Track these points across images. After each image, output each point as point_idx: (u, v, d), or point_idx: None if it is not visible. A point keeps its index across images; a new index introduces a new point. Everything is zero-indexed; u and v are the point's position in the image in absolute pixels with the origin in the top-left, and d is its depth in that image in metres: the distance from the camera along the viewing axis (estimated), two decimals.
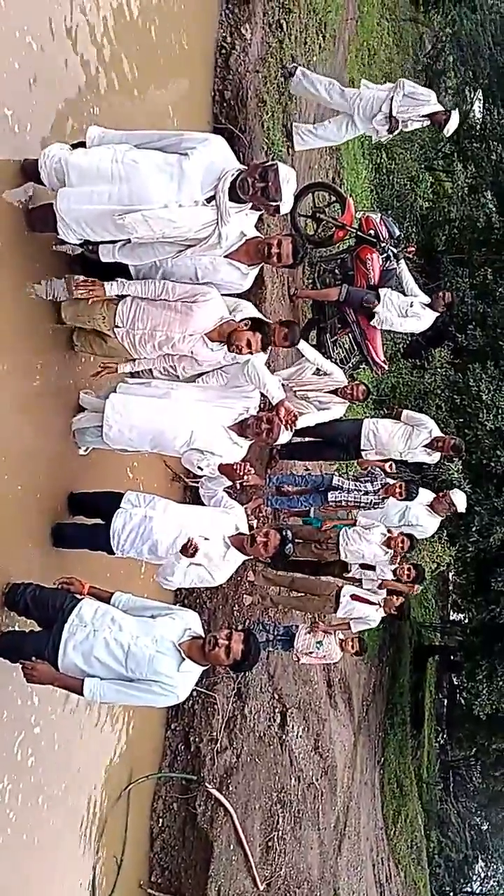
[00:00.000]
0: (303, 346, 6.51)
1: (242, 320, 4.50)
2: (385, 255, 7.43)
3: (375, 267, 7.41)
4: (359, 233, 7.63)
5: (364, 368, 8.49)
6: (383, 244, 7.45)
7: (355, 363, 8.04)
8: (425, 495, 7.41)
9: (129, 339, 4.39)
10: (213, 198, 3.89)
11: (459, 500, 7.39)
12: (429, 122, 7.79)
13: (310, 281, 8.26)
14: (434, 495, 7.44)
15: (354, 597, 7.18)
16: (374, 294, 7.38)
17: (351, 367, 8.03)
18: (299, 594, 7.55)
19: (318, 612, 7.40)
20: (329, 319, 7.79)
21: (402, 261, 7.48)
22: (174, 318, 4.31)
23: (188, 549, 4.13)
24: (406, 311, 7.45)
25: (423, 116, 7.60)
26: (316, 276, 8.07)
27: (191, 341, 4.35)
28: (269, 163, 4.03)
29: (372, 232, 7.54)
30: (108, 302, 4.36)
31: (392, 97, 7.37)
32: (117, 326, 4.36)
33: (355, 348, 7.81)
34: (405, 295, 7.54)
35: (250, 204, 4.03)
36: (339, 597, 7.18)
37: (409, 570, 7.15)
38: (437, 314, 7.56)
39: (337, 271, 7.91)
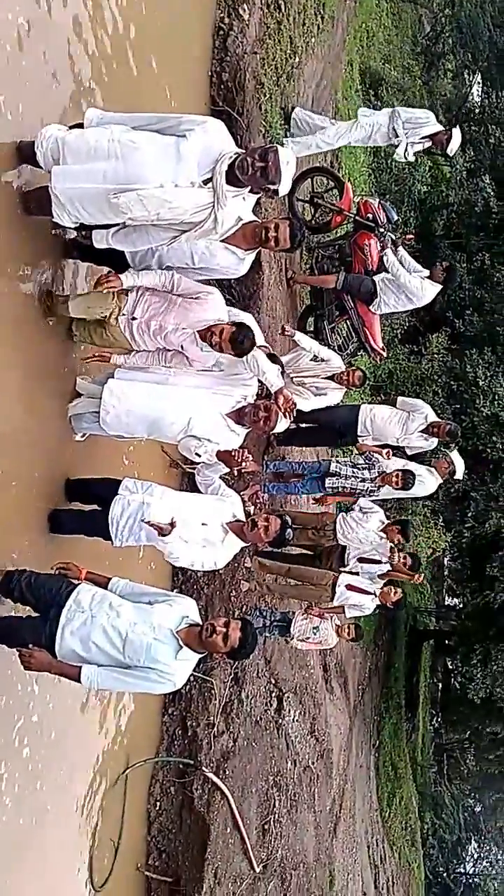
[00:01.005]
0: (298, 336, 6.50)
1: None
2: (382, 241, 7.37)
3: (373, 253, 7.36)
4: (357, 218, 7.58)
5: (362, 355, 8.48)
6: (381, 229, 7.38)
7: (353, 349, 8.01)
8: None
9: (129, 329, 4.38)
10: (209, 180, 3.85)
11: (459, 464, 7.38)
12: (430, 144, 7.74)
13: (308, 266, 8.22)
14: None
15: (350, 587, 7.19)
16: (371, 281, 7.34)
17: (349, 354, 8.00)
18: (295, 583, 7.56)
19: (313, 600, 7.42)
20: (327, 306, 7.78)
21: (401, 247, 7.40)
22: (171, 309, 4.32)
23: (163, 530, 4.12)
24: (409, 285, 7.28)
25: (424, 138, 7.60)
26: (314, 261, 8.02)
27: (182, 335, 4.35)
28: (269, 145, 3.99)
29: (370, 216, 7.49)
30: (120, 293, 4.35)
31: (393, 128, 7.47)
32: (122, 314, 4.36)
33: (353, 335, 7.78)
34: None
35: (248, 188, 3.99)
36: (336, 586, 7.20)
37: (405, 558, 7.16)
38: (440, 286, 7.42)
39: (335, 257, 7.86)
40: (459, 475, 7.52)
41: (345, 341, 7.88)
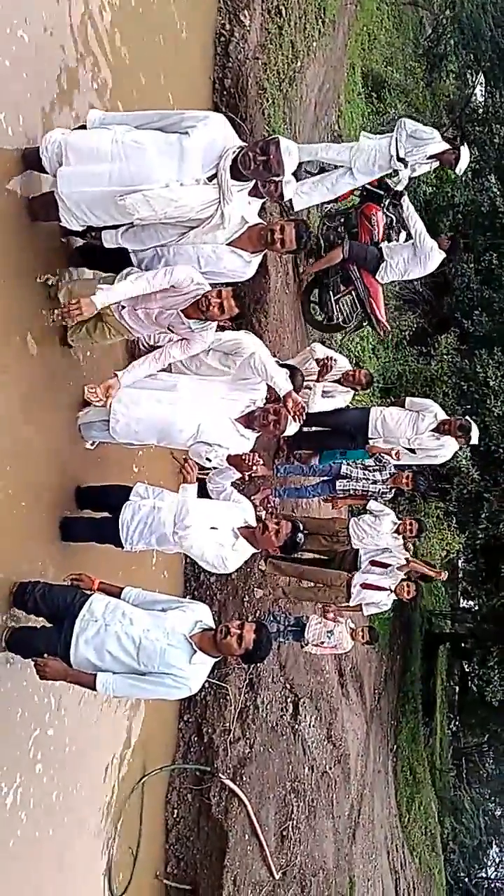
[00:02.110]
0: (317, 346, 6.53)
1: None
2: (388, 203, 7.45)
3: (380, 224, 7.42)
4: (367, 186, 7.53)
5: (367, 330, 8.28)
6: (390, 194, 7.43)
7: (357, 322, 7.91)
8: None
9: (119, 314, 4.36)
10: (214, 176, 3.85)
11: (473, 430, 7.25)
12: (437, 163, 7.46)
13: (314, 242, 8.05)
14: None
15: (366, 585, 7.18)
16: (377, 248, 7.35)
17: (354, 327, 7.92)
18: (310, 585, 7.54)
19: (330, 602, 7.40)
20: (332, 277, 7.75)
21: (405, 197, 7.45)
22: (157, 295, 4.23)
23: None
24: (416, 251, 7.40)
25: (430, 158, 7.28)
26: (320, 233, 7.97)
27: (168, 317, 4.30)
28: (271, 137, 3.98)
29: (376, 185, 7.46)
30: (106, 277, 4.32)
31: (396, 138, 7.07)
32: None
33: (357, 307, 7.73)
34: (409, 236, 7.55)
35: (252, 182, 3.98)
36: (351, 586, 7.18)
37: (411, 524, 7.12)
38: (444, 254, 7.48)
39: (341, 229, 7.85)
40: (475, 440, 7.35)
41: (349, 315, 7.84)
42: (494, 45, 15.32)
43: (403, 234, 7.69)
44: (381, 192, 7.42)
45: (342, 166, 7.15)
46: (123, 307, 4.32)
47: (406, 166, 7.13)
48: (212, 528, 4.42)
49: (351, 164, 7.16)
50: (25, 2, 3.92)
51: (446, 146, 7.31)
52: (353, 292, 7.66)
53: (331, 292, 7.72)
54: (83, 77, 4.57)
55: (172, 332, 4.39)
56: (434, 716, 18.60)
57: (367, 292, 7.52)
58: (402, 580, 7.31)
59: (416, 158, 7.24)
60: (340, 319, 7.67)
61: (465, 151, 7.39)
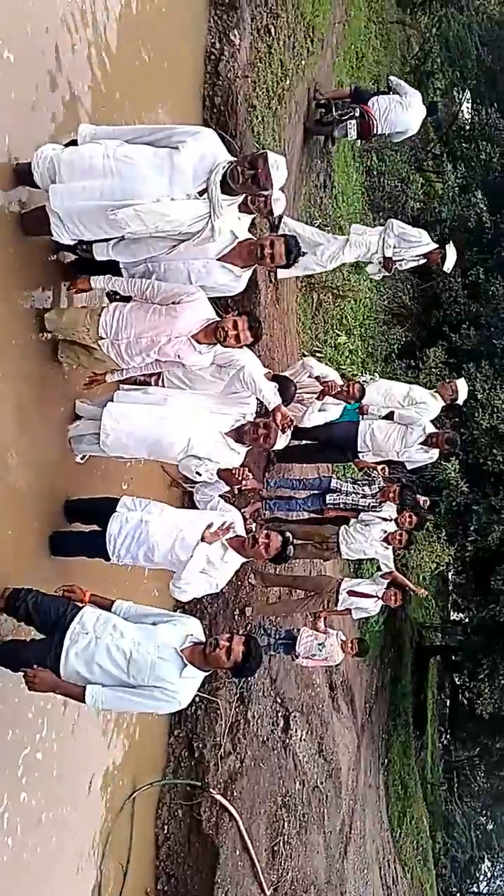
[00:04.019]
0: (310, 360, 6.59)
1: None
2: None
3: (375, 116, 9.01)
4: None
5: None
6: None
7: (347, 123, 9.16)
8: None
9: (115, 350, 4.36)
10: (205, 191, 3.88)
11: (462, 387, 7.42)
12: (424, 261, 7.75)
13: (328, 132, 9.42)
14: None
15: (352, 592, 7.26)
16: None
17: (345, 120, 9.14)
18: (299, 596, 7.56)
19: (319, 609, 7.45)
20: (337, 111, 9.17)
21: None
22: (159, 320, 4.28)
23: (214, 536, 4.16)
24: (402, 104, 9.07)
25: (417, 256, 7.59)
26: (334, 125, 9.29)
27: (177, 344, 4.32)
28: (259, 151, 4.03)
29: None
30: (92, 312, 4.34)
31: (384, 239, 7.40)
32: (101, 338, 4.33)
33: (352, 109, 9.10)
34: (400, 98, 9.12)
35: (242, 196, 4.03)
36: (339, 592, 7.25)
37: (410, 517, 7.11)
38: (425, 113, 9.41)
39: (347, 111, 9.19)
40: (462, 399, 7.52)
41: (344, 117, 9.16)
42: (480, 63, 15.54)
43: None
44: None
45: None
46: (118, 339, 4.32)
47: (386, 266, 7.59)
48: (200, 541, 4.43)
49: (342, 252, 7.49)
50: (9, 22, 3.93)
51: (434, 246, 7.64)
52: (353, 109, 9.10)
53: (336, 111, 9.15)
54: (73, 94, 4.61)
55: (180, 360, 4.41)
56: (425, 729, 18.56)
57: (364, 111, 9.01)
58: (389, 587, 7.38)
59: (404, 257, 7.58)
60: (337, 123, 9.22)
61: (451, 251, 7.70)
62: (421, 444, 7.10)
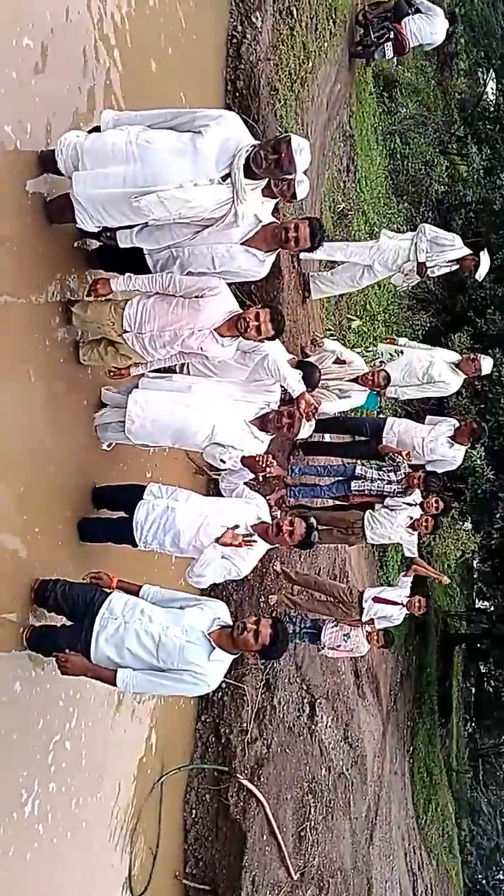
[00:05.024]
0: (327, 342, 6.53)
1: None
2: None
3: (409, 32, 10.28)
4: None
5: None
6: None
7: (384, 38, 10.24)
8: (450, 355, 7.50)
9: (140, 343, 4.36)
10: (228, 175, 3.85)
11: (486, 363, 7.34)
12: (457, 267, 7.56)
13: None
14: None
15: (377, 599, 7.16)
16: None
17: (380, 42, 10.27)
18: (323, 598, 7.50)
19: (343, 619, 7.36)
20: (374, 33, 10.26)
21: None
22: (182, 314, 4.27)
23: (232, 539, 4.13)
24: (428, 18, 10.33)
25: (450, 262, 7.40)
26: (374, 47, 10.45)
27: (200, 337, 4.31)
28: (282, 135, 3.98)
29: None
30: (116, 306, 4.33)
31: (416, 244, 7.21)
32: (126, 331, 4.33)
33: (388, 31, 10.26)
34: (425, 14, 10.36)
35: (265, 181, 3.99)
36: (363, 600, 7.16)
37: (437, 501, 7.05)
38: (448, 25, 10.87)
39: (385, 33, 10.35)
40: (486, 370, 7.45)
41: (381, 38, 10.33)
42: None
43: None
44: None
45: (360, 265, 7.43)
46: (142, 333, 4.31)
47: (419, 272, 7.36)
48: (226, 527, 4.43)
49: (371, 262, 7.35)
50: (28, 8, 3.90)
51: (466, 251, 7.40)
52: (388, 29, 10.27)
53: (372, 31, 10.25)
54: (94, 79, 4.59)
55: (202, 353, 4.39)
56: (450, 717, 18.51)
57: (397, 30, 10.22)
58: (413, 594, 7.32)
59: (437, 262, 7.36)
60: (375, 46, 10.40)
61: (485, 258, 7.46)
62: (449, 437, 7.05)
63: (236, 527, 4.34)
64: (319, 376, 5.66)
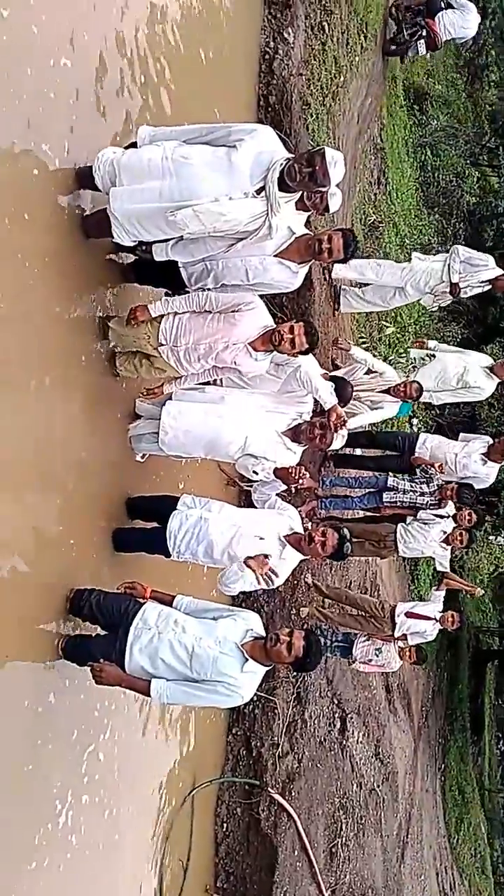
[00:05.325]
0: (354, 349, 6.50)
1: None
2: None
3: (442, 28, 10.42)
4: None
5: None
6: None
7: (416, 36, 10.38)
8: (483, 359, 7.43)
9: (175, 356, 4.39)
10: (262, 189, 3.87)
11: None
12: (489, 287, 7.49)
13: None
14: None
15: (410, 614, 7.09)
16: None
17: (413, 41, 10.42)
18: (354, 612, 7.45)
19: (374, 634, 7.29)
20: (407, 31, 10.36)
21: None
22: (217, 327, 4.29)
23: (258, 565, 4.12)
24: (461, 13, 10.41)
25: (483, 282, 7.34)
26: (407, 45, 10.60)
27: (234, 351, 4.32)
28: (316, 147, 4.00)
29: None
30: (153, 320, 4.39)
31: (450, 265, 7.20)
32: (161, 344, 4.37)
33: (421, 27, 10.37)
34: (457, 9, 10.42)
35: (299, 193, 4.01)
36: (395, 616, 7.09)
37: (470, 514, 6.95)
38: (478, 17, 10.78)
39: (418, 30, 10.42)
40: None
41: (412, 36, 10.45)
42: None
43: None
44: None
45: (391, 287, 7.42)
46: (181, 345, 4.34)
47: (453, 293, 7.33)
48: (258, 538, 4.43)
49: (403, 284, 7.33)
50: (66, 30, 3.98)
51: (500, 271, 7.35)
52: (420, 27, 10.37)
53: (406, 28, 10.35)
54: (129, 96, 4.66)
55: (236, 367, 4.41)
56: (482, 734, 18.22)
57: (428, 24, 10.31)
58: (446, 610, 7.23)
59: (470, 283, 7.32)
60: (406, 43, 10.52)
61: None
62: (483, 454, 7.00)
63: (268, 556, 4.31)
64: (351, 391, 5.64)
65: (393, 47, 10.57)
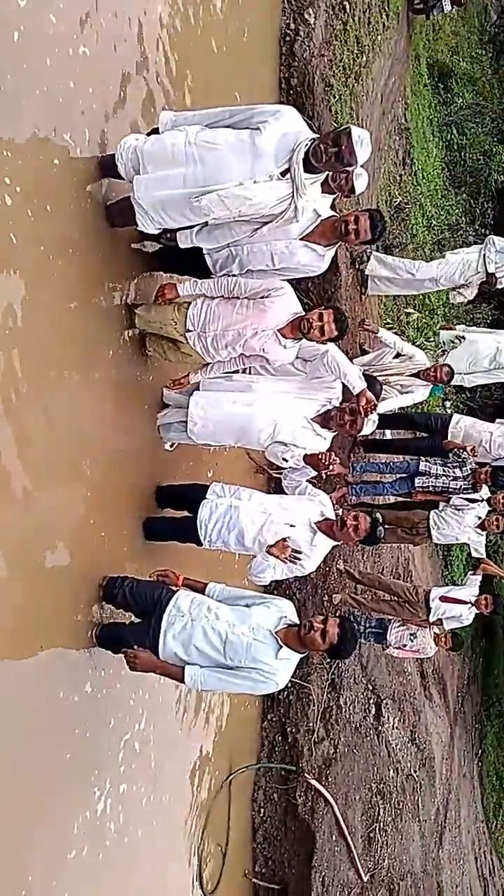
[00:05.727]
0: (382, 332, 6.43)
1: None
2: None
3: None
4: None
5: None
6: None
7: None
8: None
9: (202, 343, 4.37)
10: (287, 171, 3.82)
11: None
12: None
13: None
14: None
15: (444, 598, 7.02)
16: None
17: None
18: (388, 598, 7.40)
19: (409, 620, 7.24)
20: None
21: None
22: (247, 314, 4.26)
23: (280, 551, 4.10)
24: None
25: None
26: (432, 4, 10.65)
27: (262, 337, 4.29)
28: (342, 127, 3.94)
29: None
30: (180, 306, 4.36)
31: (485, 255, 7.19)
32: (189, 330, 4.35)
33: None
34: None
35: (325, 174, 3.95)
36: (429, 600, 7.03)
37: (498, 517, 6.88)
38: None
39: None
40: None
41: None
42: None
43: None
44: None
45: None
46: (210, 332, 4.33)
47: (490, 283, 7.30)
48: (289, 525, 4.41)
49: (438, 276, 7.31)
50: (84, 18, 3.93)
51: None
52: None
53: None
54: (150, 82, 4.62)
55: (264, 354, 4.37)
56: None
57: None
58: (482, 593, 7.15)
59: None
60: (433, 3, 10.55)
61: None
62: None
63: (286, 539, 4.29)
64: (380, 389, 5.58)
65: (419, 5, 10.57)
